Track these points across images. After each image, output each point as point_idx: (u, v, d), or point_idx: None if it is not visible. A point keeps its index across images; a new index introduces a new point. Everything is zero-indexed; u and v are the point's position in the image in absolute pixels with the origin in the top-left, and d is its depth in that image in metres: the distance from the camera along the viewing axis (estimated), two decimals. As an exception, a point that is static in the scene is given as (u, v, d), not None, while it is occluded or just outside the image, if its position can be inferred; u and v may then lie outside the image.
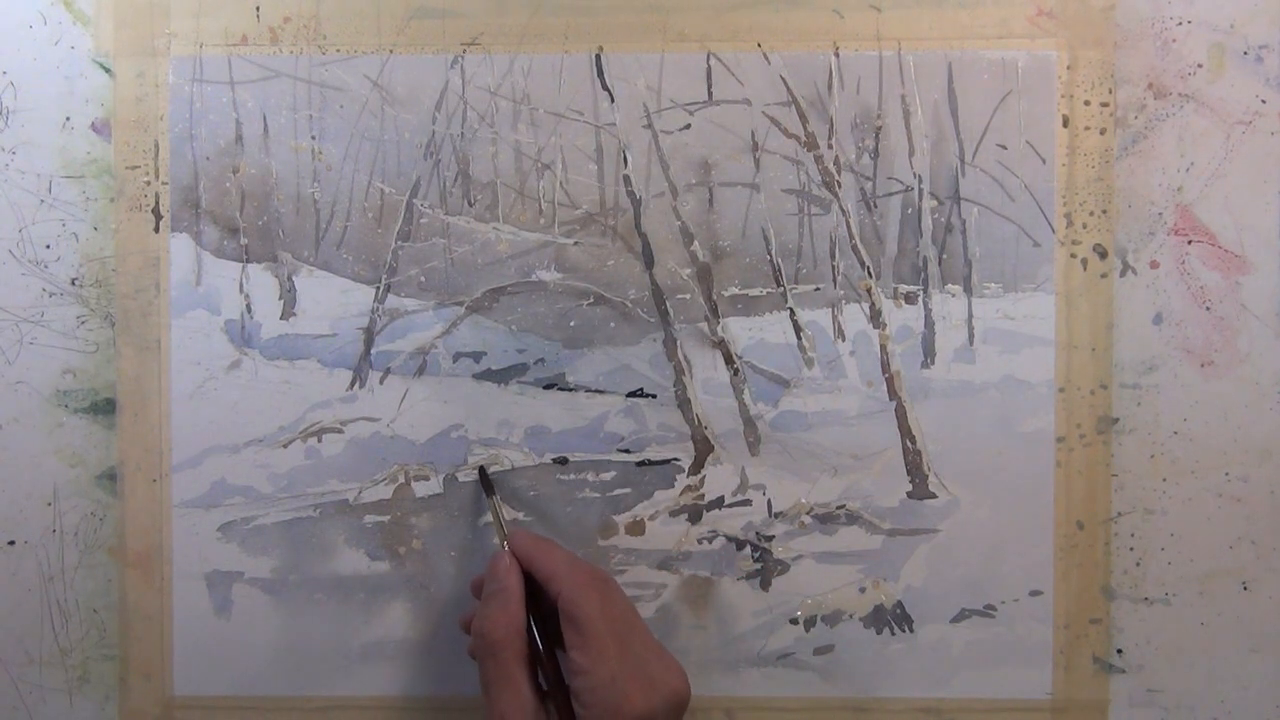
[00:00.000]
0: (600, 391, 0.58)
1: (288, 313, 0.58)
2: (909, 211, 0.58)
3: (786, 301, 0.58)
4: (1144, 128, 0.58)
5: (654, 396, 0.58)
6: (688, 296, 0.58)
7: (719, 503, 0.58)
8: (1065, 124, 0.57)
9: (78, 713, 0.58)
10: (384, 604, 0.58)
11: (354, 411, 0.58)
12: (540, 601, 0.51)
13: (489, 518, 0.58)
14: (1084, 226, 0.58)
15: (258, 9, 0.58)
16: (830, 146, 0.58)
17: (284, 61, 0.58)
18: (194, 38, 0.58)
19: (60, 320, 0.58)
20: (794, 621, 0.58)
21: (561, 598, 0.49)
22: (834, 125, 0.58)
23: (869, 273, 0.58)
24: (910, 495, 0.58)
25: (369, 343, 0.58)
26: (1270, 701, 0.58)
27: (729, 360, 0.58)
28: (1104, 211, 0.58)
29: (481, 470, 0.58)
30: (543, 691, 0.50)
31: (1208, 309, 0.58)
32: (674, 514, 0.58)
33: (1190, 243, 0.58)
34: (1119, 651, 0.58)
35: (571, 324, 0.58)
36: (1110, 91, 0.57)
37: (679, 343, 0.58)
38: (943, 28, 0.57)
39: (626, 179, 0.58)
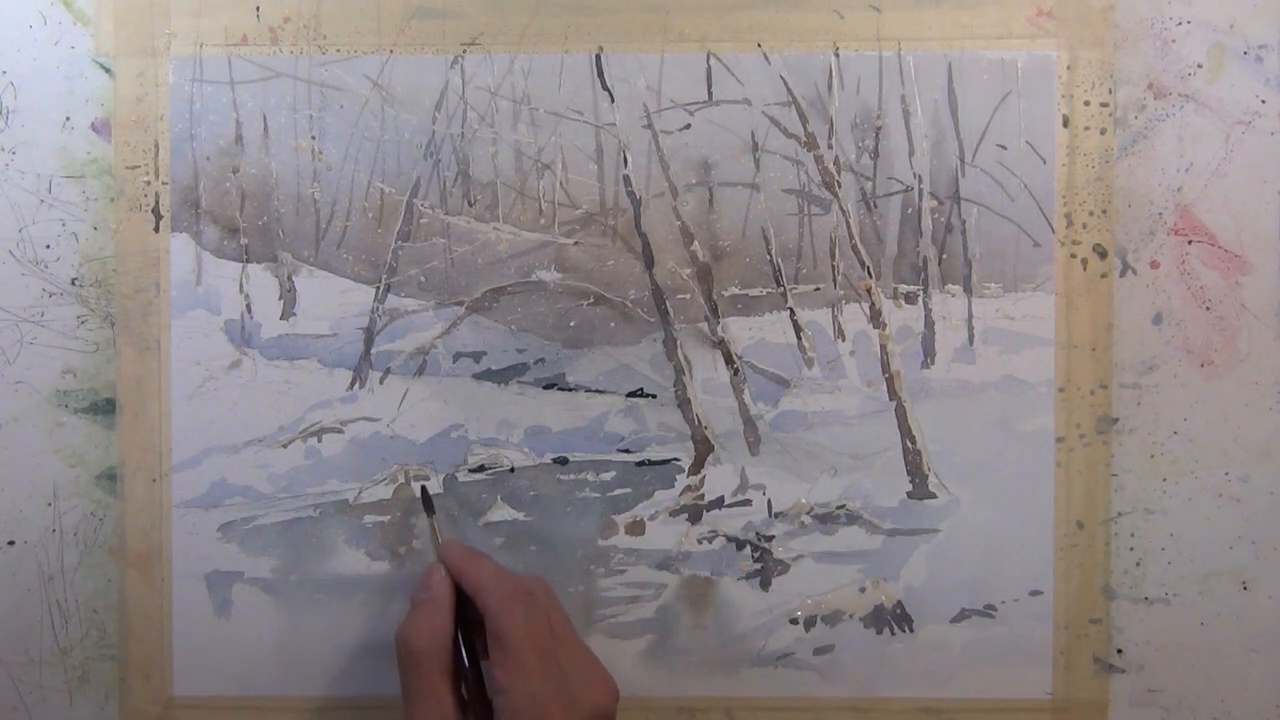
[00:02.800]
0: (600, 391, 0.58)
1: (288, 313, 0.58)
2: (909, 211, 0.58)
3: (786, 301, 0.58)
4: (1144, 128, 0.58)
5: (654, 396, 0.58)
6: (688, 296, 0.58)
7: (719, 503, 0.58)
8: (1065, 124, 0.57)
9: (78, 713, 0.58)
10: (384, 604, 0.58)
11: (354, 411, 0.58)
12: (471, 615, 0.52)
13: (491, 517, 0.58)
14: (1084, 226, 0.58)
15: (258, 9, 0.58)
16: (830, 146, 0.58)
17: (284, 61, 0.58)
18: (194, 38, 0.58)
19: (60, 320, 0.58)
20: (794, 621, 0.58)
21: (486, 612, 0.50)
22: (834, 125, 0.58)
23: (869, 273, 0.58)
24: (910, 495, 0.58)
25: (369, 343, 0.58)
26: (1270, 701, 0.58)
27: (729, 360, 0.58)
28: (1104, 211, 0.58)
29: (424, 490, 0.57)
30: (464, 704, 0.50)
31: (1208, 309, 0.58)
32: (674, 514, 0.58)
33: (1190, 243, 0.58)
34: (1119, 651, 0.58)
35: (571, 324, 0.58)
36: (1110, 91, 0.57)
37: (679, 343, 0.58)
38: (943, 28, 0.57)
39: (626, 179, 0.58)
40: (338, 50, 0.58)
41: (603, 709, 0.49)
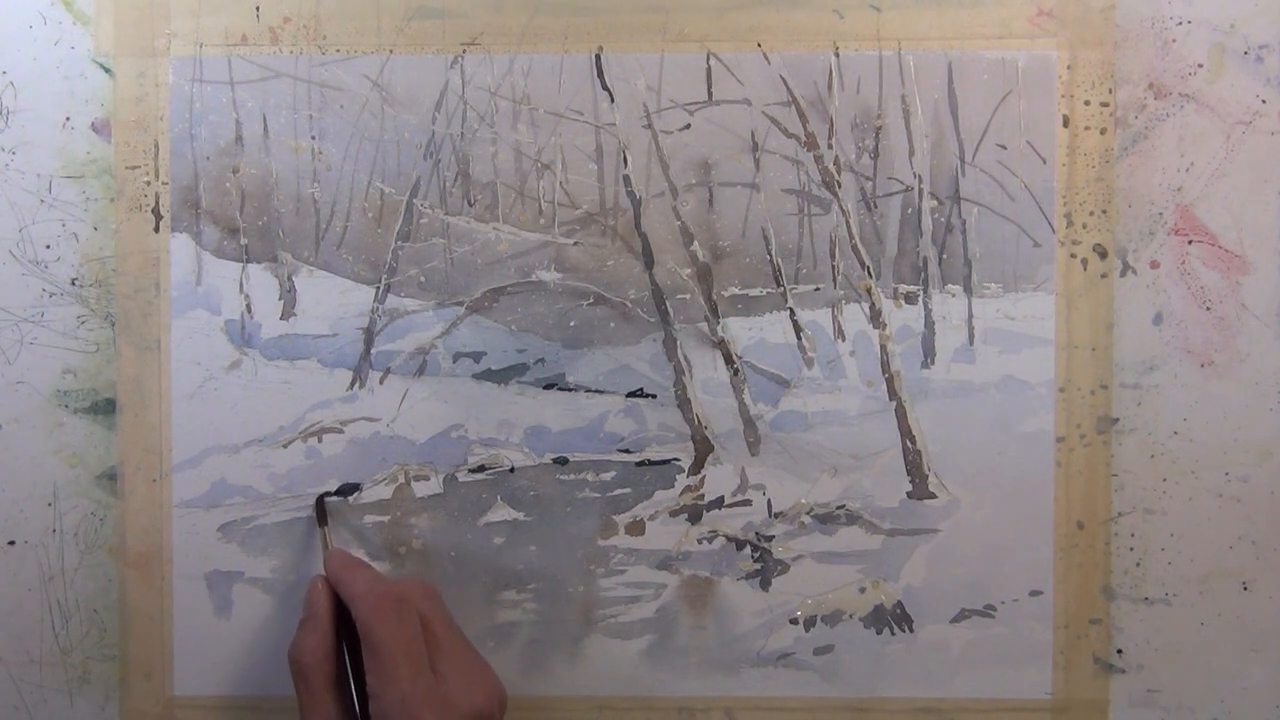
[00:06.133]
0: (600, 391, 0.58)
1: (288, 313, 0.58)
2: (909, 211, 0.58)
3: (786, 301, 0.58)
4: (1144, 128, 0.58)
5: (654, 396, 0.58)
6: (688, 296, 0.58)
7: (719, 503, 0.58)
8: (1065, 124, 0.57)
9: (78, 713, 0.58)
10: (384, 604, 0.58)
11: (354, 411, 0.58)
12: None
13: (491, 517, 0.58)
14: (1084, 226, 0.58)
15: (258, 9, 0.58)
16: (830, 146, 0.58)
17: (284, 61, 0.58)
18: (194, 38, 0.58)
19: (60, 320, 0.58)
20: (794, 621, 0.58)
21: (359, 621, 0.50)
22: (834, 125, 0.58)
23: (869, 273, 0.58)
24: (910, 495, 0.58)
25: (369, 343, 0.58)
26: (1270, 701, 0.58)
27: (729, 360, 0.58)
28: (1104, 211, 0.58)
29: (320, 500, 0.57)
30: (353, 714, 0.51)
31: (1208, 309, 0.58)
32: (674, 514, 0.58)
33: (1190, 243, 0.58)
34: (1119, 651, 0.58)
35: (571, 324, 0.58)
36: (1110, 91, 0.57)
37: (679, 343, 0.58)
38: (943, 28, 0.57)
39: (626, 179, 0.58)
40: (338, 50, 0.58)
41: (481, 712, 0.49)
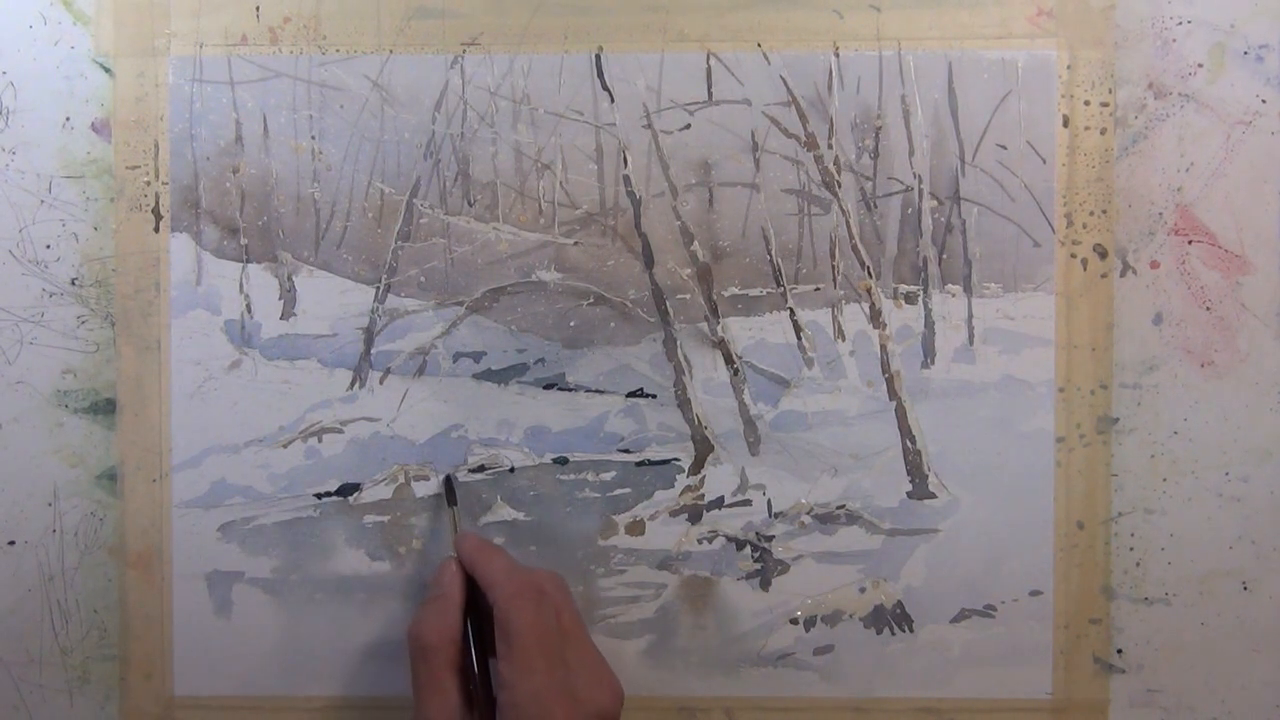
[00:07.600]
0: (600, 391, 0.58)
1: (288, 313, 0.58)
2: (909, 211, 0.58)
3: (786, 301, 0.58)
4: (1144, 128, 0.58)
5: (654, 396, 0.58)
6: (688, 296, 0.58)
7: (719, 503, 0.58)
8: (1065, 124, 0.57)
9: (78, 713, 0.58)
10: (384, 604, 0.58)
11: (354, 411, 0.58)
12: (484, 608, 0.52)
13: (491, 517, 0.58)
14: (1084, 226, 0.58)
15: (258, 9, 0.58)
16: (830, 146, 0.58)
17: (284, 61, 0.58)
18: (194, 38, 0.58)
19: (60, 320, 0.58)
20: (794, 621, 0.58)
21: (496, 608, 0.50)
22: (834, 125, 0.58)
23: (869, 273, 0.58)
24: (910, 495, 0.58)
25: (369, 343, 0.58)
26: (1270, 701, 0.58)
27: (729, 360, 0.58)
28: (1104, 211, 0.58)
29: (448, 480, 0.57)
30: (472, 699, 0.50)
31: (1208, 309, 0.58)
32: (674, 514, 0.58)
33: (1190, 243, 0.58)
34: (1119, 651, 0.58)
35: (571, 324, 0.58)
36: (1110, 91, 0.57)
37: (679, 343, 0.58)
38: (943, 28, 0.57)
39: (626, 179, 0.58)
40: (338, 50, 0.58)
41: (606, 710, 0.49)
